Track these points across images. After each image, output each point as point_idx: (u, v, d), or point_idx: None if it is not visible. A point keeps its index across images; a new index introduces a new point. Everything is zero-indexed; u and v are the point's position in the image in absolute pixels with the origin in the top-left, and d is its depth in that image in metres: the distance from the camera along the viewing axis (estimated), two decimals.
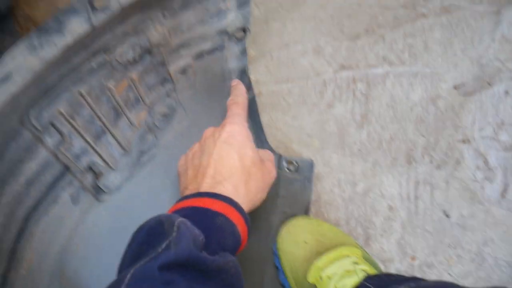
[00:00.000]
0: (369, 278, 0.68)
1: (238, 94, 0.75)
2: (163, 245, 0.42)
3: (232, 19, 0.74)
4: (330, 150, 0.91)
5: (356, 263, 0.72)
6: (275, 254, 0.81)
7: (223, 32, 0.74)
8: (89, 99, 0.61)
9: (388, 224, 0.83)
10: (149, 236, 0.46)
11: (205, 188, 0.57)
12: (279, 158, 0.88)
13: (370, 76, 0.98)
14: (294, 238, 0.78)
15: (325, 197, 0.87)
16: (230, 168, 0.59)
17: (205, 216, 0.51)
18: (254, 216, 0.85)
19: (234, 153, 0.61)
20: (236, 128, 0.64)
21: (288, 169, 0.87)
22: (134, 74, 0.66)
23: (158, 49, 0.67)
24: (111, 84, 0.63)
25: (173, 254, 0.41)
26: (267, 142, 0.88)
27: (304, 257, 0.76)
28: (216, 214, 0.51)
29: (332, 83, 0.98)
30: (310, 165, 0.87)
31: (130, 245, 0.48)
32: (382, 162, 0.89)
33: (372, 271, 0.72)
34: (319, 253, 0.75)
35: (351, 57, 1.01)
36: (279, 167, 0.88)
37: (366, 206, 0.85)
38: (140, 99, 0.69)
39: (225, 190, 0.56)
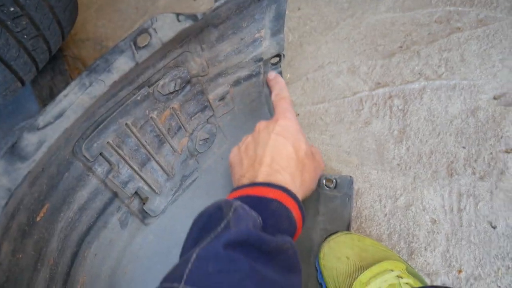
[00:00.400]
0: None
1: (282, 88, 0.78)
2: (222, 225, 0.45)
3: (267, 47, 0.78)
4: (369, 166, 0.93)
5: (400, 277, 0.72)
6: (317, 270, 0.83)
7: (259, 59, 0.79)
8: (134, 130, 0.66)
9: (431, 237, 0.83)
10: (209, 221, 0.48)
11: (262, 175, 0.59)
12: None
13: (407, 91, 0.99)
14: (336, 254, 0.79)
15: (366, 212, 0.88)
16: (287, 158, 0.62)
17: (260, 202, 0.53)
18: None
19: (289, 145, 0.64)
20: (289, 122, 0.68)
21: (327, 186, 0.90)
22: (175, 104, 0.71)
23: (197, 79, 0.73)
24: (154, 114, 0.68)
25: (234, 232, 0.43)
26: None
27: (347, 272, 0.77)
28: (271, 200, 0.54)
29: (368, 100, 1.00)
30: (350, 181, 0.88)
31: (191, 231, 0.50)
32: (423, 175, 0.89)
33: (416, 284, 0.72)
34: (362, 268, 0.76)
35: (386, 74, 1.03)
36: (318, 185, 0.90)
37: (408, 220, 0.85)
38: (182, 126, 0.75)
39: (283, 178, 0.59)
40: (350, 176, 0.89)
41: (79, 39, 1.29)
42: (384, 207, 0.88)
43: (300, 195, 0.61)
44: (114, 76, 0.55)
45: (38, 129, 0.51)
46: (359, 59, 1.07)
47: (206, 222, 0.48)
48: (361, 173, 0.92)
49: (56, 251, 0.60)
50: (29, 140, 0.50)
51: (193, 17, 0.60)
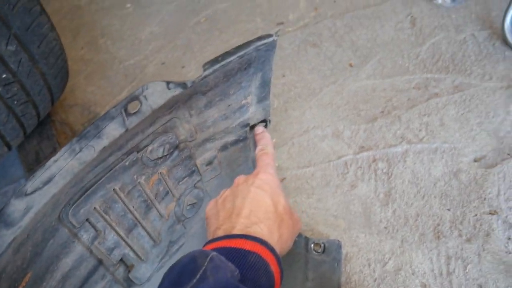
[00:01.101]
0: None
1: (267, 143, 0.79)
2: (198, 276, 0.43)
3: (253, 113, 0.81)
4: (356, 230, 0.93)
5: None
6: None
7: (246, 125, 0.81)
8: (122, 195, 0.66)
9: None
10: (183, 273, 0.45)
11: (239, 227, 0.58)
12: (306, 240, 0.90)
13: (390, 155, 1.02)
14: None
15: (355, 277, 0.87)
16: (265, 211, 0.62)
17: (237, 254, 0.51)
18: None
19: (269, 198, 0.64)
20: (269, 176, 0.68)
21: (315, 251, 0.89)
22: (163, 168, 0.72)
23: (185, 144, 0.74)
24: (142, 180, 0.69)
25: (212, 283, 0.41)
26: None
27: None
28: (249, 253, 0.52)
29: (353, 164, 1.03)
30: (338, 246, 0.88)
31: (161, 285, 0.47)
32: (410, 238, 0.89)
33: None
34: None
35: (369, 138, 1.06)
36: (306, 249, 0.90)
37: (398, 284, 0.84)
38: (169, 191, 0.75)
39: (261, 231, 0.58)
40: (338, 240, 0.89)
41: (67, 105, 1.32)
42: (374, 271, 0.87)
43: (277, 250, 0.59)
44: (104, 142, 0.57)
45: (26, 194, 0.51)
46: (342, 123, 1.11)
47: (179, 275, 0.46)
48: (349, 237, 0.93)
49: None
50: (16, 206, 0.50)
51: (183, 85, 0.62)
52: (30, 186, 0.51)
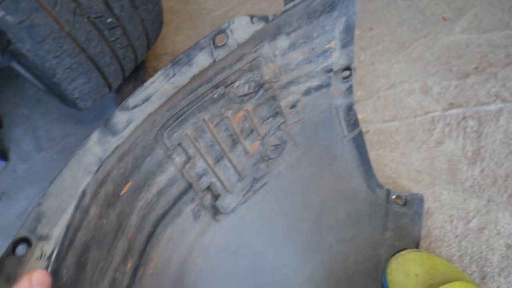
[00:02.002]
0: None
1: None
2: None
3: (336, 58, 0.81)
4: (440, 186, 0.93)
5: None
6: (383, 286, 0.83)
7: (329, 70, 0.82)
8: (210, 125, 0.72)
9: (506, 262, 0.81)
10: None
11: None
12: (387, 192, 0.92)
13: (482, 113, 0.99)
14: (404, 270, 0.80)
15: (436, 232, 0.88)
16: None
17: None
18: (361, 248, 0.88)
19: None
20: None
21: (397, 203, 0.90)
22: (249, 106, 0.76)
23: (269, 85, 0.77)
24: (229, 114, 0.74)
25: None
26: (375, 177, 0.92)
27: None
28: None
29: (441, 120, 1.01)
30: (420, 200, 0.89)
31: None
32: (498, 198, 0.88)
33: None
34: (431, 287, 0.76)
35: (460, 95, 1.03)
36: (387, 201, 0.91)
37: (481, 243, 0.84)
38: (254, 129, 0.79)
39: None
40: (421, 194, 0.89)
41: (158, 53, 1.39)
42: (456, 228, 0.87)
43: None
44: (194, 69, 0.62)
45: (128, 109, 0.58)
46: (432, 79, 1.08)
47: None
48: (431, 193, 0.93)
49: (134, 227, 0.66)
50: (120, 118, 0.57)
51: (265, 18, 0.65)
52: (131, 102, 0.58)
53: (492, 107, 0.99)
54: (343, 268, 0.89)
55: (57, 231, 0.51)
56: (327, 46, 0.79)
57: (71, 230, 0.53)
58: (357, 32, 1.23)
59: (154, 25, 1.00)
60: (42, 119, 1.44)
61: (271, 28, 0.69)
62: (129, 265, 0.64)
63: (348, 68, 0.84)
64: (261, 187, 0.85)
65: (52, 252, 0.50)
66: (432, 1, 1.26)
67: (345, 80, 0.84)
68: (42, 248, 0.50)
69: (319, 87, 0.83)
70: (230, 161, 0.77)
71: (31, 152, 1.38)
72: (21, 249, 0.49)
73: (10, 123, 1.46)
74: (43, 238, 0.50)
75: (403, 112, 1.05)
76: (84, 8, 0.76)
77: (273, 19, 0.65)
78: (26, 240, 0.49)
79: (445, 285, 0.74)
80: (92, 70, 0.86)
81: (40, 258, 0.50)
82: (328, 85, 0.83)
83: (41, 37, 0.73)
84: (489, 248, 0.83)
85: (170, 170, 0.70)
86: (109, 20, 0.82)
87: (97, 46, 0.83)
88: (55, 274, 0.50)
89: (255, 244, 0.86)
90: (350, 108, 0.86)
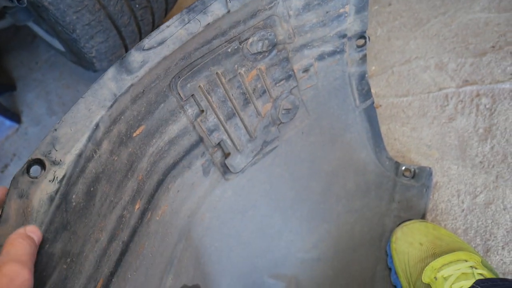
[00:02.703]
0: (480, 281, 0.69)
1: None
2: None
3: (351, 23, 0.83)
4: (449, 161, 0.95)
5: (474, 267, 0.74)
6: (388, 255, 0.86)
7: (343, 36, 0.84)
8: (223, 80, 0.74)
9: (510, 237, 0.83)
10: None
11: None
12: (396, 165, 0.94)
13: (496, 91, 1.00)
14: (409, 239, 0.82)
15: (442, 206, 0.90)
16: None
17: None
18: (367, 218, 0.91)
19: None
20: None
21: (405, 175, 0.93)
22: (262, 65, 0.78)
23: (283, 46, 0.79)
24: (242, 71, 0.76)
25: None
26: (385, 150, 0.95)
27: (419, 257, 0.80)
28: None
29: (454, 97, 1.02)
30: (429, 173, 0.91)
31: None
32: (506, 175, 0.89)
33: (490, 276, 0.73)
34: (435, 255, 0.78)
35: (475, 73, 1.04)
36: (396, 173, 0.93)
37: (486, 217, 0.86)
38: (266, 90, 0.81)
39: None
40: (430, 168, 0.91)
41: None
42: (462, 202, 0.89)
43: None
44: (208, 18, 0.64)
45: (143, 49, 0.60)
46: (448, 56, 1.09)
47: None
48: (440, 167, 0.94)
49: (145, 171, 0.68)
50: (135, 57, 0.59)
51: None
52: (147, 43, 0.61)
53: (507, 85, 1.00)
54: (349, 237, 0.91)
55: (70, 158, 0.54)
56: (341, 10, 0.80)
57: (83, 159, 0.56)
58: (375, 7, 1.24)
59: None
60: (55, 84, 1.47)
61: None
62: (137, 206, 0.67)
63: (362, 36, 0.85)
64: (271, 150, 0.87)
65: (64, 176, 0.54)
66: None
67: (359, 49, 0.86)
68: (54, 172, 0.53)
69: (332, 53, 0.84)
70: (242, 120, 0.79)
71: (43, 115, 1.42)
72: (34, 170, 0.52)
73: (24, 87, 1.49)
74: (56, 163, 0.54)
75: (417, 88, 1.06)
76: None
77: None
78: (40, 163, 0.53)
79: (449, 254, 0.76)
80: (110, 29, 0.89)
81: (52, 180, 0.53)
82: (342, 51, 0.85)
83: None
84: (495, 223, 0.85)
85: (182, 121, 0.72)
86: None
87: (116, 4, 0.85)
88: (65, 197, 0.54)
89: (263, 207, 0.89)
90: (363, 77, 0.88)
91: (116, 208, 0.64)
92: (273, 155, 0.88)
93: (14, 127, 1.39)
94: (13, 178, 0.52)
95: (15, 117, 1.40)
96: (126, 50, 1.00)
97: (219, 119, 0.76)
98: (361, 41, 0.86)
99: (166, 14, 1.08)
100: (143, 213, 0.69)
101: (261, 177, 0.87)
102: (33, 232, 0.49)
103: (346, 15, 0.81)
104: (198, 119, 0.74)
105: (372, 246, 0.89)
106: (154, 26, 1.05)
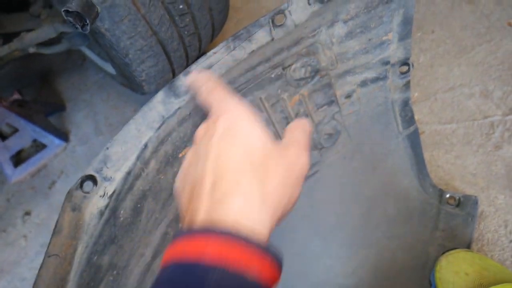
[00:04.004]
0: None
1: (207, 79, 0.57)
2: None
3: (394, 50, 0.84)
4: (496, 190, 0.93)
5: None
6: (431, 284, 0.84)
7: (386, 63, 0.85)
8: (266, 105, 0.76)
9: None
10: None
11: (202, 212, 0.41)
12: (440, 192, 0.93)
13: None
14: (454, 268, 0.81)
15: (489, 236, 0.88)
16: (235, 171, 0.43)
17: (192, 279, 0.36)
18: (410, 245, 0.90)
19: (237, 148, 0.45)
20: (233, 114, 0.48)
21: (449, 203, 0.91)
22: (305, 91, 0.80)
23: (326, 72, 0.81)
24: (285, 96, 0.78)
25: None
26: (428, 176, 0.94)
27: None
28: (208, 271, 0.36)
29: (501, 125, 1.01)
30: (474, 201, 0.89)
31: None
32: None
33: None
34: (482, 286, 0.77)
35: None
36: (439, 201, 0.92)
37: None
38: (309, 115, 0.82)
39: (231, 209, 0.41)
40: (475, 196, 0.89)
41: None
42: (510, 233, 0.87)
43: (267, 220, 0.42)
44: (253, 46, 0.67)
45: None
46: (493, 83, 1.08)
47: None
48: (486, 196, 0.93)
49: None
50: (183, 82, 0.62)
51: (321, 0, 0.70)
52: (194, 69, 0.64)
53: None
54: (389, 264, 0.90)
55: (120, 175, 0.58)
56: (384, 38, 0.81)
57: (132, 177, 0.60)
58: (418, 34, 1.25)
59: (220, 15, 1.06)
60: (102, 105, 1.54)
61: (328, 14, 0.73)
62: (181, 224, 0.69)
63: (406, 63, 0.86)
64: (312, 174, 0.88)
65: (113, 192, 0.58)
66: (498, 7, 1.25)
67: (402, 75, 0.86)
68: (105, 188, 0.57)
69: (375, 79, 0.85)
70: None
71: (90, 135, 1.48)
72: (87, 185, 0.56)
73: (73, 107, 1.57)
74: (107, 179, 0.58)
75: (461, 115, 1.05)
76: None
77: (328, 0, 0.69)
78: (92, 178, 0.57)
79: (496, 286, 0.74)
80: (160, 54, 0.93)
81: (103, 196, 0.57)
82: (385, 78, 0.85)
83: (119, 17, 0.80)
84: None
85: None
86: (181, 6, 0.89)
87: (167, 30, 0.89)
88: (114, 212, 0.58)
89: (302, 231, 0.89)
90: (406, 104, 0.88)
91: (161, 225, 0.66)
92: (315, 179, 0.88)
93: (62, 146, 1.46)
94: (68, 192, 0.56)
95: (64, 136, 1.47)
96: (174, 74, 1.05)
97: None
98: (405, 68, 0.86)
99: (212, 40, 1.12)
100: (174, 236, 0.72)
101: (302, 200, 0.87)
102: (306, 125, 0.54)
103: (389, 42, 0.82)
104: None
105: (415, 274, 0.88)
106: (201, 51, 1.10)
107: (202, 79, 0.56)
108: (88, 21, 0.67)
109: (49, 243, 0.53)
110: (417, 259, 0.88)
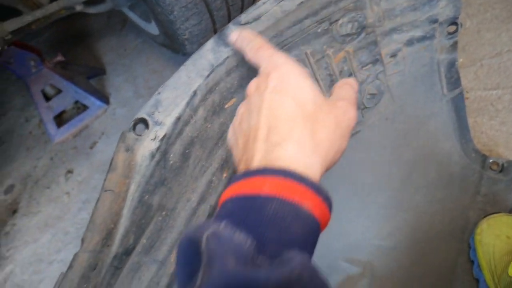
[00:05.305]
0: None
1: (251, 38, 0.60)
2: (198, 282, 0.33)
3: (443, 8, 0.82)
4: None
5: None
6: (471, 247, 0.84)
7: (434, 21, 0.83)
8: (312, 60, 0.76)
9: None
10: (186, 261, 0.38)
11: (258, 156, 0.45)
12: (483, 158, 0.92)
13: None
14: (495, 232, 0.81)
15: None
16: (288, 121, 0.47)
17: (251, 209, 0.39)
18: (449, 210, 0.90)
19: (289, 100, 0.48)
20: (283, 70, 0.51)
21: (492, 169, 0.90)
22: (350, 47, 0.79)
23: (372, 29, 0.80)
24: (330, 52, 0.78)
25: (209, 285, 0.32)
26: (471, 141, 0.93)
27: (506, 250, 0.78)
28: (266, 201, 0.39)
29: None
30: None
31: (177, 265, 0.40)
32: None
33: None
34: None
35: None
36: (482, 166, 0.91)
37: None
38: (353, 73, 0.82)
39: (285, 153, 0.44)
40: None
41: None
42: None
43: (318, 166, 0.45)
44: None
45: (240, 24, 0.65)
46: None
47: (184, 265, 0.38)
48: None
49: None
50: (232, 31, 0.63)
51: None
52: (243, 18, 0.65)
53: None
54: (427, 228, 0.91)
55: (170, 120, 0.61)
56: None
57: (181, 122, 0.62)
58: None
59: None
60: (142, 69, 1.57)
61: None
62: (225, 174, 0.71)
63: (454, 22, 0.84)
64: (353, 134, 0.88)
65: (164, 136, 0.60)
66: None
67: (450, 36, 0.85)
68: (156, 132, 0.60)
69: (422, 38, 0.84)
70: None
71: (130, 98, 1.52)
72: (139, 128, 0.59)
73: (112, 71, 1.61)
74: (158, 123, 0.60)
75: (507, 81, 1.03)
76: None
77: None
78: (144, 121, 0.60)
79: None
80: (204, 12, 0.94)
81: (154, 139, 0.59)
82: (432, 37, 0.84)
83: None
84: None
85: None
86: None
87: None
88: (164, 155, 0.61)
89: (341, 190, 0.90)
90: (452, 65, 0.87)
91: (206, 172, 0.69)
92: (355, 139, 0.89)
93: (103, 108, 1.50)
94: (121, 133, 0.59)
95: (104, 98, 1.51)
96: (215, 33, 1.06)
97: None
98: (453, 28, 0.85)
99: (254, 0, 1.12)
100: (230, 181, 0.74)
101: (341, 160, 0.88)
102: (353, 83, 0.58)
103: None
104: None
105: (454, 237, 0.88)
106: (242, 10, 1.10)
107: (247, 37, 0.59)
108: None
109: (105, 179, 0.56)
110: (456, 223, 0.88)
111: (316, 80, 0.78)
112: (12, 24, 0.96)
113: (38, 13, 0.99)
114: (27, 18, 0.98)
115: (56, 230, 1.31)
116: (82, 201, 1.34)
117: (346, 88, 0.56)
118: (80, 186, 1.38)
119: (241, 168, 0.48)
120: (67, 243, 1.27)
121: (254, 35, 0.59)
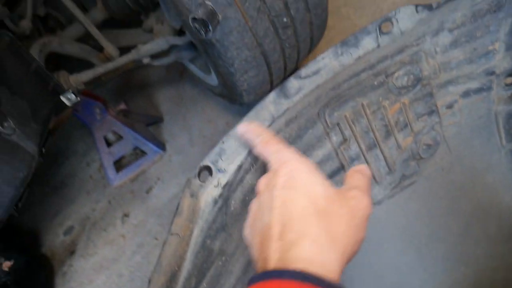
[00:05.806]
0: None
1: (261, 132, 0.61)
2: None
3: (500, 60, 0.82)
4: None
5: None
6: None
7: (491, 73, 0.83)
8: (368, 111, 0.78)
9: None
10: None
11: (274, 257, 0.44)
12: None
13: None
14: None
15: None
16: (301, 217, 0.47)
17: None
18: None
19: (301, 196, 0.49)
20: (291, 167, 0.52)
21: None
22: (405, 99, 0.81)
23: (428, 81, 0.81)
24: (386, 104, 0.79)
25: None
26: None
27: None
28: None
29: None
30: None
31: None
32: None
33: None
34: None
35: None
36: None
37: None
38: (408, 124, 0.83)
39: (302, 252, 0.43)
40: None
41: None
42: None
43: (336, 263, 0.45)
44: (359, 51, 0.71)
45: (300, 78, 0.69)
46: None
47: None
48: None
49: None
50: (293, 84, 0.68)
51: (429, 7, 0.71)
52: (303, 72, 0.69)
53: None
54: (489, 284, 0.88)
55: (232, 168, 0.64)
56: (490, 47, 0.81)
57: (242, 170, 0.65)
58: None
59: (319, 30, 1.11)
60: (197, 118, 1.64)
61: (434, 22, 0.75)
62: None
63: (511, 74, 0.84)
64: (409, 185, 0.88)
65: (226, 183, 0.63)
66: None
67: (508, 87, 0.85)
68: (219, 179, 0.63)
69: (479, 90, 0.84)
70: (382, 152, 0.82)
71: (185, 146, 1.59)
72: (203, 175, 0.63)
73: (169, 119, 1.69)
74: (221, 171, 0.64)
75: None
76: (267, 6, 0.89)
77: (437, 7, 0.71)
78: (208, 169, 0.63)
79: None
80: (262, 65, 0.99)
81: (217, 186, 0.63)
82: (489, 88, 0.84)
83: (229, 28, 0.87)
84: None
85: (327, 147, 0.78)
86: (285, 19, 0.95)
87: (271, 42, 0.95)
88: (226, 201, 0.64)
89: (397, 242, 0.89)
90: (511, 116, 0.86)
91: None
92: (411, 190, 0.89)
93: (160, 154, 1.57)
94: (187, 180, 0.63)
95: (161, 145, 1.58)
96: (272, 85, 1.11)
97: (360, 148, 0.80)
98: (511, 79, 0.85)
99: (309, 53, 1.17)
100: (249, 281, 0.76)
101: (397, 211, 0.89)
102: (365, 170, 0.58)
103: (495, 52, 0.82)
104: (341, 147, 0.79)
105: None
106: (297, 64, 1.15)
107: (255, 131, 0.61)
108: (211, 28, 0.74)
109: (171, 223, 0.60)
110: None
111: (372, 130, 0.80)
112: (86, 76, 1.05)
113: (109, 66, 1.08)
114: (99, 70, 1.07)
115: (111, 272, 1.35)
116: (137, 245, 1.38)
117: (357, 177, 0.56)
118: (135, 229, 1.43)
119: (259, 266, 0.47)
120: (121, 286, 1.31)
121: (262, 129, 0.61)
